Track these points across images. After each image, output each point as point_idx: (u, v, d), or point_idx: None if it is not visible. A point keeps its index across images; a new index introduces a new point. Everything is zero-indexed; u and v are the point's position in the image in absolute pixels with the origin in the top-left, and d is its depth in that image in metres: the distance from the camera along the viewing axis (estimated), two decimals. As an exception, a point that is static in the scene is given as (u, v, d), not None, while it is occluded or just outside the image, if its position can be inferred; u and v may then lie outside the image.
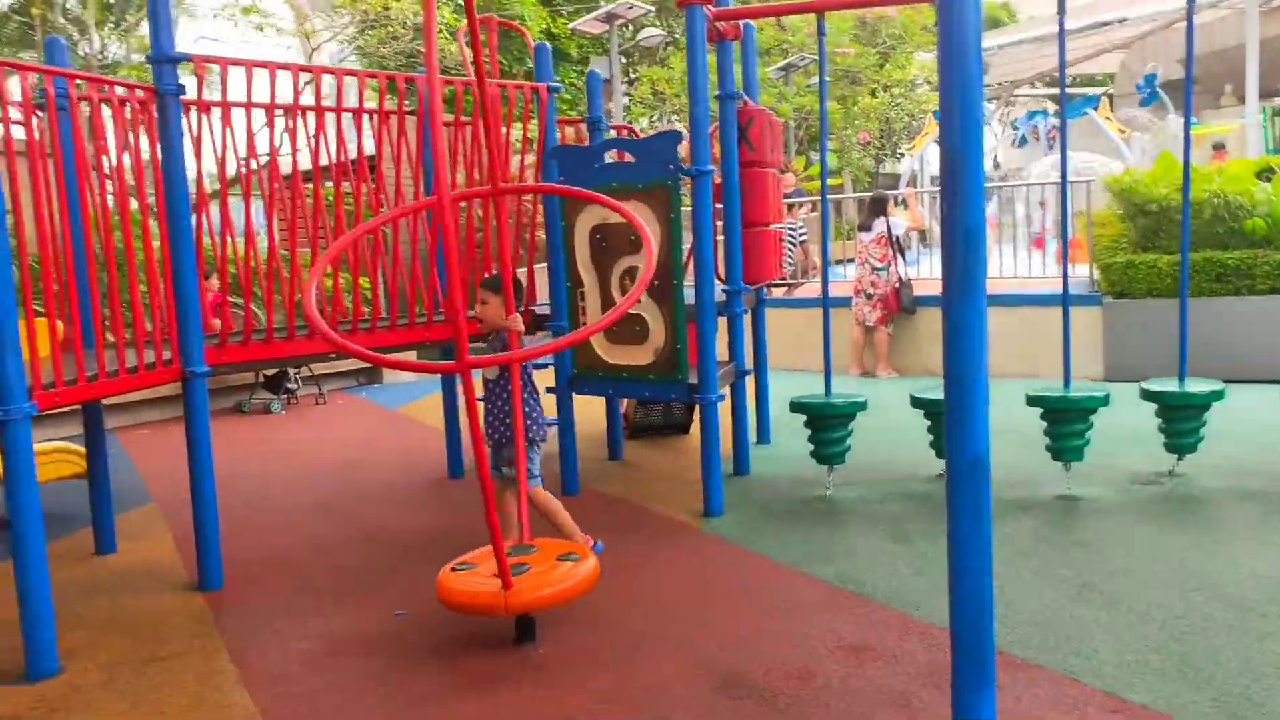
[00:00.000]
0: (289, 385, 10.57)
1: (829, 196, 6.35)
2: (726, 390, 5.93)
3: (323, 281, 5.50)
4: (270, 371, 10.29)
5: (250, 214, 5.14)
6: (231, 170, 5.02)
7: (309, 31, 17.25)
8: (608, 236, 5.52)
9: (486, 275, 4.75)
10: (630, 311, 5.46)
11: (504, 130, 5.80)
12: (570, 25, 20.14)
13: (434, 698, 3.41)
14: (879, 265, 10.03)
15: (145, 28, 19.11)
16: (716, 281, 6.43)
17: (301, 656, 3.82)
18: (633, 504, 5.77)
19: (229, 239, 5.20)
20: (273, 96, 4.90)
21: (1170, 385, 5.57)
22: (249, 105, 4.92)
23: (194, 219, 4.78)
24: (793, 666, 3.46)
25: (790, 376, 9.52)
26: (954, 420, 2.57)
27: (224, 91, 5.11)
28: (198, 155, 4.81)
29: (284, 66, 4.88)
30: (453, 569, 3.83)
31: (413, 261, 5.55)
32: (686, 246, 5.82)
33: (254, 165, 5.05)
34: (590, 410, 6.76)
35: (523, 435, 4.33)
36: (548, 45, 6.07)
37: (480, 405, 4.33)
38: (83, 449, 5.51)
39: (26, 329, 3.97)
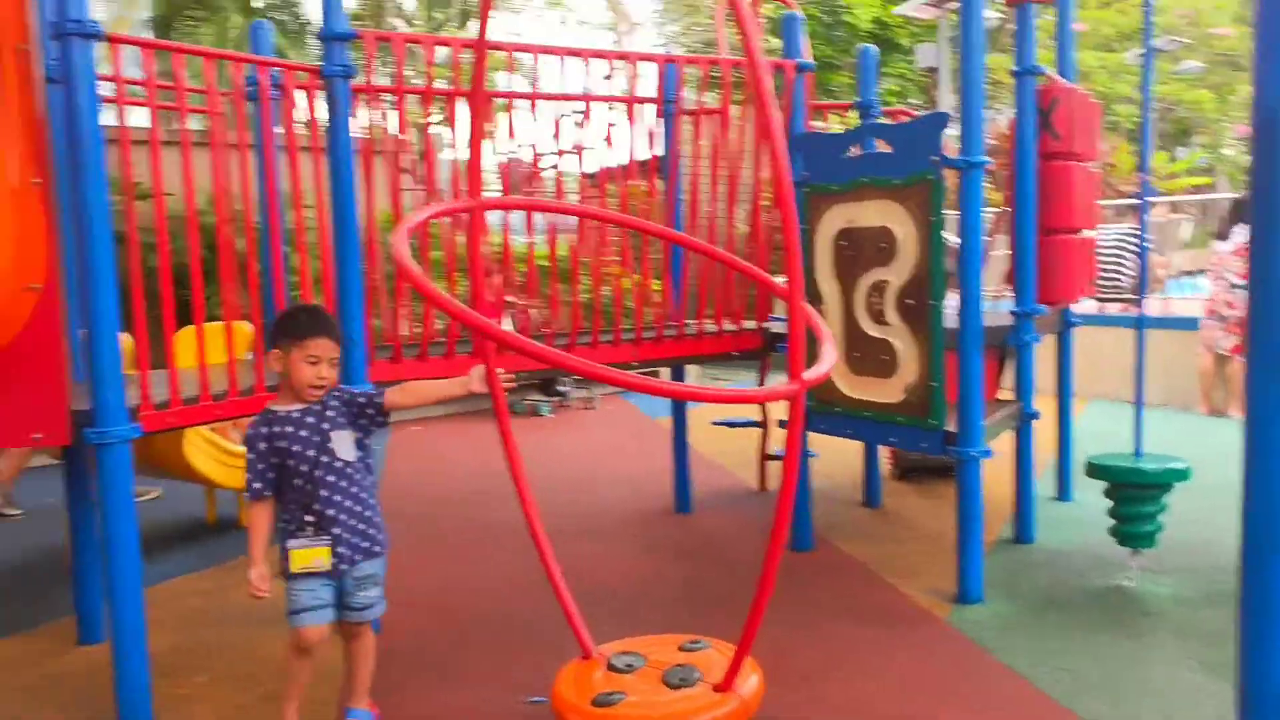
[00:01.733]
0: (559, 388, 10.22)
1: (1197, 197, 4.93)
2: (1002, 441, 4.75)
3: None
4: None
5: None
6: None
7: (613, 23, 17.13)
8: (855, 242, 4.53)
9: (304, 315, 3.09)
10: (877, 337, 4.46)
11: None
12: (896, 10, 18.72)
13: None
14: (1239, 282, 8.16)
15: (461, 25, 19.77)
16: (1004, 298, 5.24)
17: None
18: (871, 572, 4.70)
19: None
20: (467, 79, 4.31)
21: None
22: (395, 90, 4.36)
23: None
24: None
25: (1115, 411, 7.92)
26: (1252, 610, 1.43)
27: (392, 74, 4.57)
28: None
29: (494, 46, 4.25)
30: (594, 704, 2.83)
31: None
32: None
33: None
34: (846, 441, 5.72)
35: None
36: (800, 15, 5.10)
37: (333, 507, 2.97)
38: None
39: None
